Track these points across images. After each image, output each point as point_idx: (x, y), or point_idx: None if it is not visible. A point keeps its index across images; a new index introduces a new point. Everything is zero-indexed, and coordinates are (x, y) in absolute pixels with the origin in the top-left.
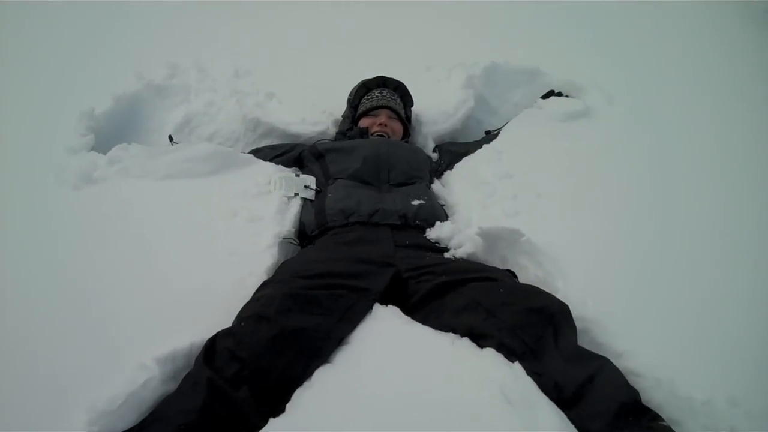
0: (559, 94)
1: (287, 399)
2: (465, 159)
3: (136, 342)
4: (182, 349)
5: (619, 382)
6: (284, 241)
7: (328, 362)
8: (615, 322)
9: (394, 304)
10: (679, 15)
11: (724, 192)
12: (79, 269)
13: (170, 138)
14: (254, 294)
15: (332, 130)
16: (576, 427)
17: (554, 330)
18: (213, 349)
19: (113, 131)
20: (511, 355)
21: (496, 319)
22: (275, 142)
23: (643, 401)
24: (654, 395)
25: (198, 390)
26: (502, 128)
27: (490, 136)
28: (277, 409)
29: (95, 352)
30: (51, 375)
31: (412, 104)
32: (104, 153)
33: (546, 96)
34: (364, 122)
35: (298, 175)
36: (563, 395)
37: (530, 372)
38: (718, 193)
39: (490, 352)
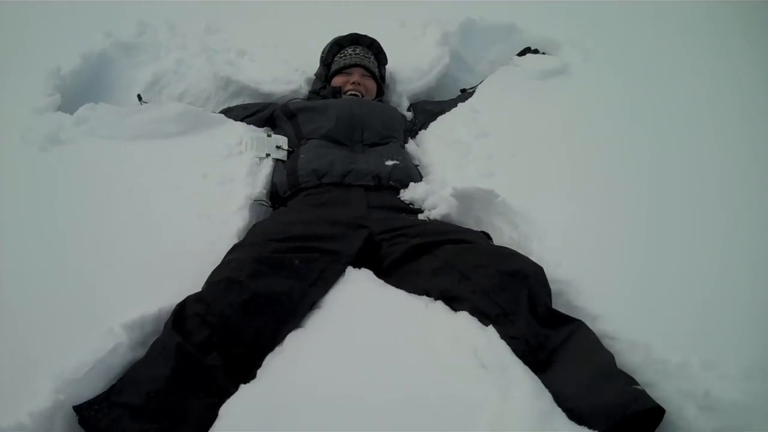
0: (536, 51)
1: (258, 365)
2: (440, 118)
3: (104, 308)
4: (150, 315)
5: (594, 346)
6: (255, 202)
7: (300, 327)
8: (590, 284)
9: (367, 266)
10: None
11: (701, 146)
12: (44, 233)
13: (139, 97)
14: (224, 257)
15: (305, 89)
16: (550, 390)
17: (528, 293)
18: (182, 314)
19: (81, 91)
20: (485, 318)
21: (470, 281)
22: (247, 101)
23: (618, 365)
24: (629, 358)
25: (167, 356)
26: (478, 86)
27: (465, 94)
28: (248, 375)
29: (61, 319)
30: (15, 343)
31: (386, 62)
32: (71, 113)
33: (522, 53)
34: (337, 81)
35: (270, 136)
36: (537, 358)
37: (504, 335)
38: (695, 148)
39: (464, 316)
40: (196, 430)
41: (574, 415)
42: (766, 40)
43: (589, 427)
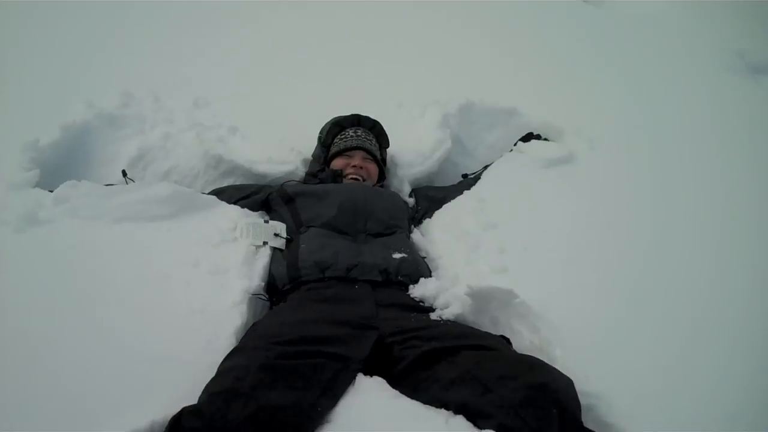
0: (538, 137)
1: None
2: (445, 207)
3: (86, 423)
4: (142, 430)
5: None
6: (253, 297)
7: None
8: (623, 398)
9: (376, 370)
10: (655, 60)
11: (721, 233)
12: (17, 328)
13: (124, 173)
14: (223, 363)
15: (301, 170)
16: None
17: (559, 409)
18: (178, 430)
19: (60, 165)
20: None
21: (493, 395)
22: (238, 181)
23: None
24: None
25: None
26: (482, 172)
27: (468, 180)
28: None
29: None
30: None
31: (387, 145)
32: (50, 190)
33: (526, 139)
34: (337, 163)
35: (266, 222)
36: None
37: None
38: (713, 235)
39: None
40: None
41: None
42: None
43: None
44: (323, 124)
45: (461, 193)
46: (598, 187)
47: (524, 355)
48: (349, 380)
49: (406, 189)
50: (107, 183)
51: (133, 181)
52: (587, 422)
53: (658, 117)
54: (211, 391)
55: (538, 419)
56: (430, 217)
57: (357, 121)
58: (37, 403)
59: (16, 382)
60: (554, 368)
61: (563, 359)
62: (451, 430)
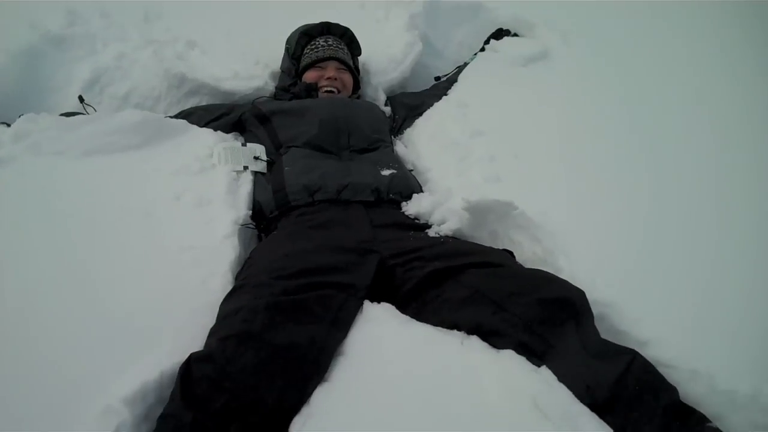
0: (508, 33)
1: (285, 430)
2: (426, 114)
3: (93, 378)
4: (152, 381)
5: (656, 381)
6: (242, 227)
7: (326, 380)
8: (633, 304)
9: (381, 295)
10: None
11: (712, 129)
12: None
13: (80, 99)
14: (226, 303)
15: (271, 85)
16: None
17: (576, 323)
18: (189, 379)
19: (11, 95)
20: (532, 356)
21: (507, 313)
22: (204, 101)
23: (681, 398)
24: (691, 389)
25: None
26: (456, 74)
27: (442, 83)
28: None
29: (46, 399)
30: None
31: (359, 53)
32: (6, 123)
33: (497, 36)
34: (309, 76)
35: (244, 145)
36: (596, 399)
37: (560, 375)
38: (706, 132)
39: (510, 355)
40: None
41: None
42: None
43: None
44: (289, 34)
45: (439, 98)
46: (577, 85)
47: (532, 269)
48: (357, 308)
49: (382, 98)
50: (64, 112)
51: (94, 108)
52: (601, 332)
53: (632, 8)
54: (220, 336)
55: (555, 335)
56: (410, 127)
57: (326, 29)
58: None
59: (7, 342)
60: (565, 280)
61: (569, 269)
62: (467, 351)
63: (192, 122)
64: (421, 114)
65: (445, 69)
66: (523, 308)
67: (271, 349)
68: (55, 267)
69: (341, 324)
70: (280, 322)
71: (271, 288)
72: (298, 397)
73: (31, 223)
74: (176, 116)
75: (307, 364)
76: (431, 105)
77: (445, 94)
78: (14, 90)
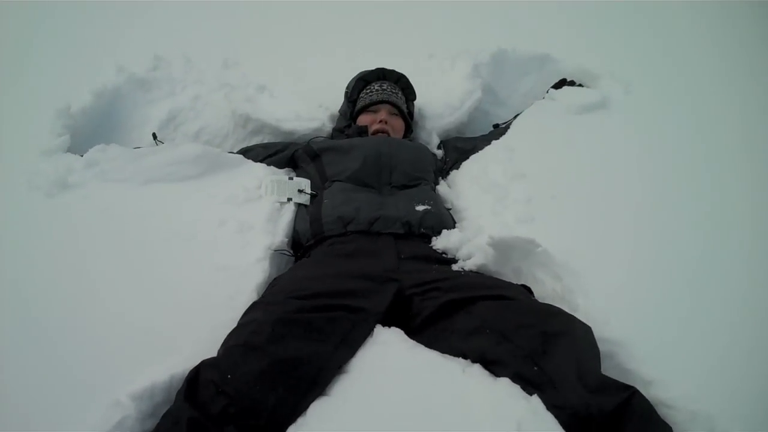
0: (572, 83)
1: None
2: (473, 157)
3: (110, 375)
4: (161, 382)
5: (650, 417)
6: (276, 252)
7: (325, 394)
8: (643, 345)
9: (397, 324)
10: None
11: (759, 191)
12: (46, 289)
13: (154, 136)
14: (242, 317)
15: (329, 127)
16: None
17: (576, 357)
18: (196, 382)
19: (92, 130)
20: (528, 385)
21: (510, 344)
22: (267, 139)
23: None
24: (689, 430)
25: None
26: (512, 121)
27: (499, 129)
28: None
29: (63, 389)
30: (11, 419)
31: (414, 98)
32: (81, 155)
33: (558, 85)
34: (363, 119)
35: (291, 178)
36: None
37: (550, 405)
38: (752, 193)
39: (505, 383)
40: None
41: None
42: None
43: None
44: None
45: (490, 143)
46: (632, 133)
47: (543, 303)
48: (367, 332)
49: (435, 141)
50: (137, 146)
51: (163, 143)
52: (607, 369)
53: (701, 61)
54: (228, 345)
55: (554, 367)
56: (457, 169)
57: (382, 74)
58: (64, 356)
59: (47, 336)
60: (573, 316)
61: (585, 307)
62: (467, 377)
63: (250, 157)
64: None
65: (506, 117)
66: (526, 340)
67: (274, 361)
68: (98, 277)
69: (347, 346)
70: (286, 337)
71: (284, 306)
72: (294, 408)
73: (89, 240)
74: (238, 152)
75: (306, 378)
76: (482, 149)
77: (496, 139)
78: (97, 127)
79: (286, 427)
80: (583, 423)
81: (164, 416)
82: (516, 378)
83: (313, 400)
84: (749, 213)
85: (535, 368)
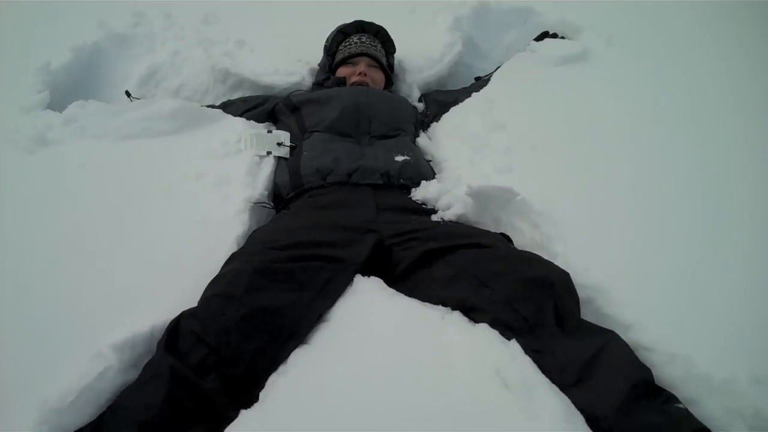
0: (554, 36)
1: (261, 386)
2: (453, 109)
3: (92, 327)
4: (142, 334)
5: (629, 360)
6: (256, 205)
7: (305, 343)
8: (621, 290)
9: (377, 274)
10: None
11: (738, 138)
12: (25, 243)
13: (127, 93)
14: (222, 268)
15: (308, 81)
16: (581, 410)
17: (554, 302)
18: (176, 332)
19: (72, 87)
20: (507, 330)
21: (488, 290)
22: (247, 94)
23: (656, 380)
24: (668, 373)
25: (160, 381)
26: (493, 74)
27: (480, 82)
28: (250, 398)
29: (44, 342)
30: None
31: (394, 51)
32: (62, 111)
33: (539, 38)
34: (342, 72)
35: (270, 132)
36: (566, 375)
37: (529, 350)
38: (731, 141)
39: (483, 329)
40: None
41: None
42: None
43: None
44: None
45: (470, 95)
46: (612, 84)
47: (521, 251)
48: (346, 282)
49: (415, 94)
50: (118, 103)
51: (138, 100)
52: (586, 314)
53: (686, 14)
54: (207, 295)
55: (532, 312)
56: (437, 121)
57: (361, 27)
58: (44, 312)
59: (26, 293)
60: (550, 262)
61: (564, 254)
62: (446, 324)
63: (230, 111)
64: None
65: (489, 70)
66: (504, 286)
67: (251, 310)
68: (78, 232)
69: (326, 295)
70: (263, 287)
71: (263, 256)
72: (273, 357)
73: (68, 196)
74: (218, 106)
75: (284, 328)
76: (463, 101)
77: (476, 91)
78: (77, 84)
79: (266, 377)
80: (561, 367)
81: (146, 366)
82: (494, 323)
83: (292, 350)
84: (728, 156)
85: (514, 313)
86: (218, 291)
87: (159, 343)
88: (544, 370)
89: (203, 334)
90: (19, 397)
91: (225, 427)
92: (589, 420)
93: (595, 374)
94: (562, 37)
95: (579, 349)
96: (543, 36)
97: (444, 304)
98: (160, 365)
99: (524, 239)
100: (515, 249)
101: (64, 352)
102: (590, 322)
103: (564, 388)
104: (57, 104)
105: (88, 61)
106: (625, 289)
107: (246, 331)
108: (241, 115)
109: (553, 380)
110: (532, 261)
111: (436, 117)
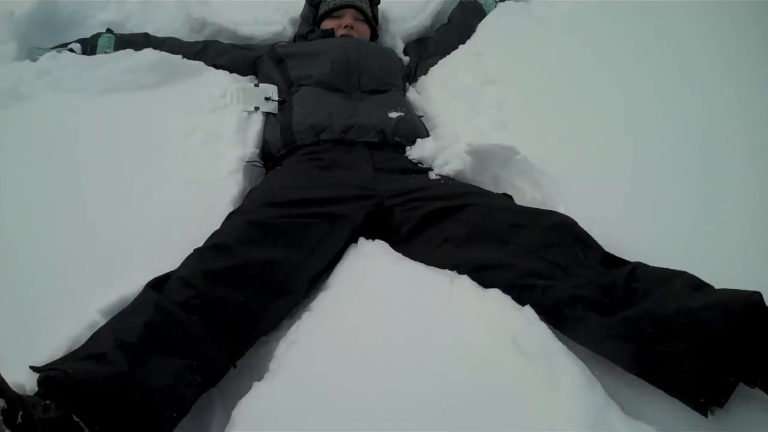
0: None
1: (246, 339)
2: (441, 62)
3: (79, 293)
4: (130, 295)
5: (666, 270)
6: (248, 164)
7: (309, 310)
8: (628, 253)
9: (378, 234)
10: None
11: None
12: (4, 206)
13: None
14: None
15: (289, 31)
16: (651, 319)
17: (580, 242)
18: (165, 277)
19: (38, 36)
20: (540, 279)
21: (511, 245)
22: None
23: None
24: None
25: (143, 310)
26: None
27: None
28: (235, 350)
29: (32, 304)
30: None
31: (378, 1)
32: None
33: None
34: (327, 24)
35: (257, 85)
36: (615, 297)
37: (571, 287)
38: (732, 89)
39: (496, 294)
40: (171, 391)
41: (686, 320)
42: None
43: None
44: None
45: (449, 32)
46: (602, 40)
47: (527, 206)
48: (342, 238)
49: (400, 46)
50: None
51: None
52: None
53: None
54: (200, 247)
55: (562, 256)
56: (425, 74)
57: None
58: (30, 277)
59: (16, 256)
60: (559, 212)
61: (566, 212)
62: (455, 289)
63: (216, 49)
64: (430, 53)
65: None
66: (525, 238)
67: (243, 262)
68: (65, 188)
69: (321, 252)
70: (257, 240)
71: (258, 213)
72: (261, 311)
73: (48, 153)
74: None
75: (275, 282)
76: (441, 41)
77: (463, 43)
78: (43, 34)
79: (255, 334)
80: (608, 291)
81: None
82: (524, 275)
83: (282, 309)
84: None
85: (542, 261)
86: (210, 243)
87: (145, 285)
88: (592, 299)
89: (190, 278)
90: (7, 361)
91: (206, 367)
92: (662, 322)
93: (645, 289)
94: None
95: (616, 276)
96: None
97: (458, 267)
98: (144, 298)
99: (525, 199)
100: (524, 206)
101: (50, 319)
102: (616, 255)
103: (617, 309)
104: (25, 56)
105: (52, 9)
106: (632, 252)
107: (234, 281)
108: (227, 53)
109: (603, 307)
110: (543, 212)
111: (419, 66)
